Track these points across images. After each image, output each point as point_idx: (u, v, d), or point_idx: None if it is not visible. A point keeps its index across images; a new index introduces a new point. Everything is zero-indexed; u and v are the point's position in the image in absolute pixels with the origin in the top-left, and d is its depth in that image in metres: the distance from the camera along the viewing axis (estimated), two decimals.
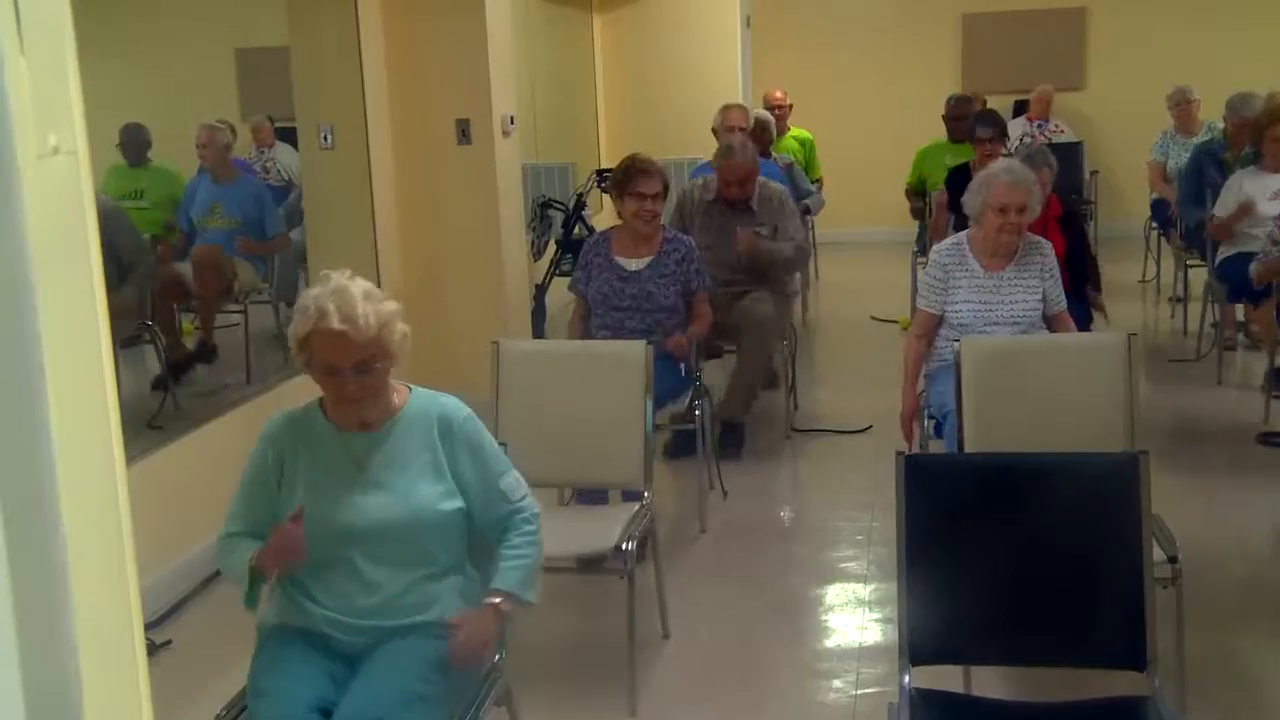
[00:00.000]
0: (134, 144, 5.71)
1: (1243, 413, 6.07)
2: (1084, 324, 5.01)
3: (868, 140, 11.25)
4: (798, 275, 7.33)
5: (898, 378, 4.63)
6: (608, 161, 9.54)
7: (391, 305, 2.72)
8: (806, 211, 7.69)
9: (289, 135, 6.41)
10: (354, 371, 2.65)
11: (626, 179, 5.05)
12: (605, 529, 3.74)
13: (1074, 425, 3.77)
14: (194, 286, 5.75)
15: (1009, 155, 6.26)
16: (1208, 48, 10.61)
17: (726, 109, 7.28)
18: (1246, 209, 6.48)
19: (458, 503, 2.78)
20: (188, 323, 5.79)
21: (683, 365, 4.96)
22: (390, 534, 2.69)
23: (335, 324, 2.61)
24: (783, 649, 4.02)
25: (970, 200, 4.53)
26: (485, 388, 4.02)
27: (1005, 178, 4.41)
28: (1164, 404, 6.38)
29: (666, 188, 5.14)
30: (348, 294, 2.65)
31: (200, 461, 4.62)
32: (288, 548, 2.65)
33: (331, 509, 2.71)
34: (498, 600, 2.73)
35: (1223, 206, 6.69)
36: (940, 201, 6.66)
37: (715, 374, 5.94)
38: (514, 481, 2.86)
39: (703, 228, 5.76)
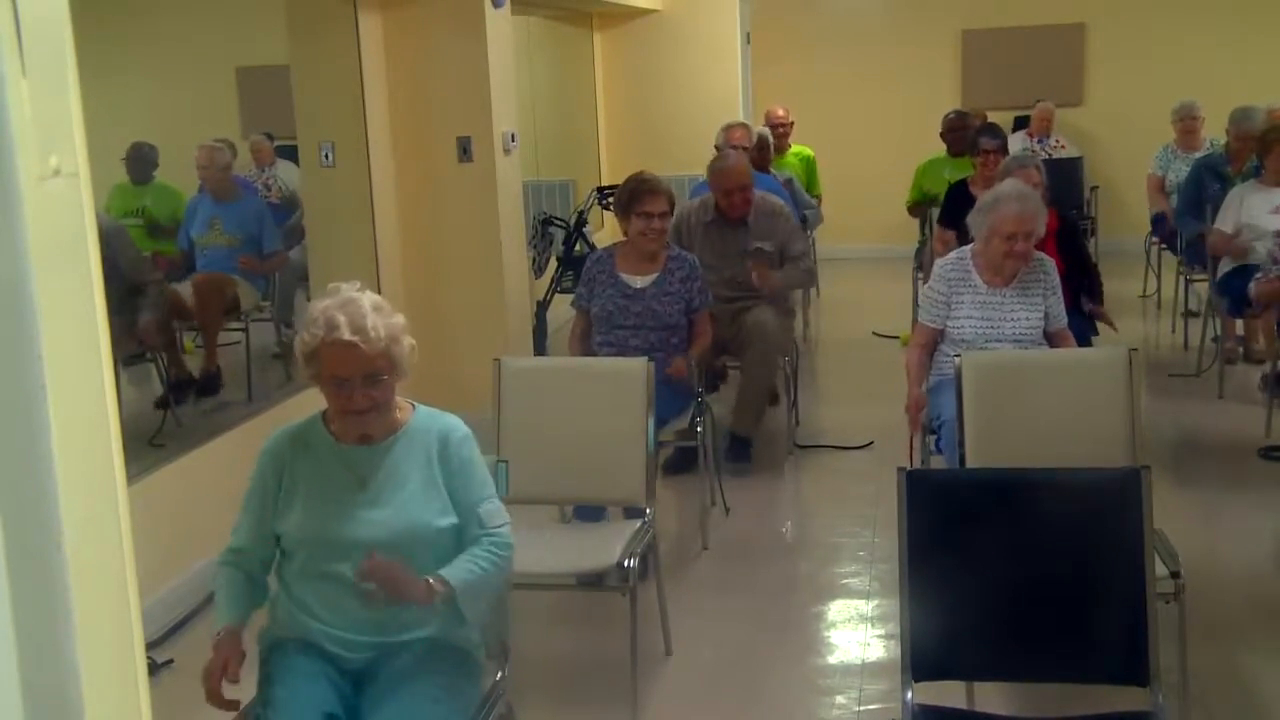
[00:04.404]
0: (140, 162, 5.73)
1: (1244, 427, 6.06)
2: (1084, 337, 5.01)
3: (868, 156, 11.26)
4: (797, 291, 7.37)
5: (900, 393, 4.63)
6: (609, 179, 9.56)
7: (399, 318, 2.74)
8: (803, 223, 7.70)
9: (290, 153, 6.42)
10: (363, 383, 2.67)
11: (633, 198, 5.05)
12: (607, 546, 3.73)
13: (1075, 440, 3.77)
14: (195, 313, 5.76)
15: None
16: (1207, 63, 10.62)
17: (729, 128, 7.30)
18: (1240, 247, 6.50)
19: (453, 519, 2.78)
20: (189, 341, 5.80)
21: (684, 384, 4.97)
22: (387, 548, 2.69)
23: (346, 335, 2.62)
24: (785, 665, 4.01)
25: (976, 220, 4.52)
26: (487, 405, 4.02)
27: (1015, 205, 4.37)
28: (1165, 419, 6.38)
29: (672, 205, 5.14)
30: (358, 306, 2.67)
31: (202, 479, 4.62)
32: (210, 690, 2.60)
33: (329, 522, 2.71)
34: (433, 579, 2.65)
35: (1223, 221, 6.69)
36: (941, 238, 6.66)
37: (719, 402, 5.97)
38: (494, 510, 2.82)
39: (702, 247, 5.77)
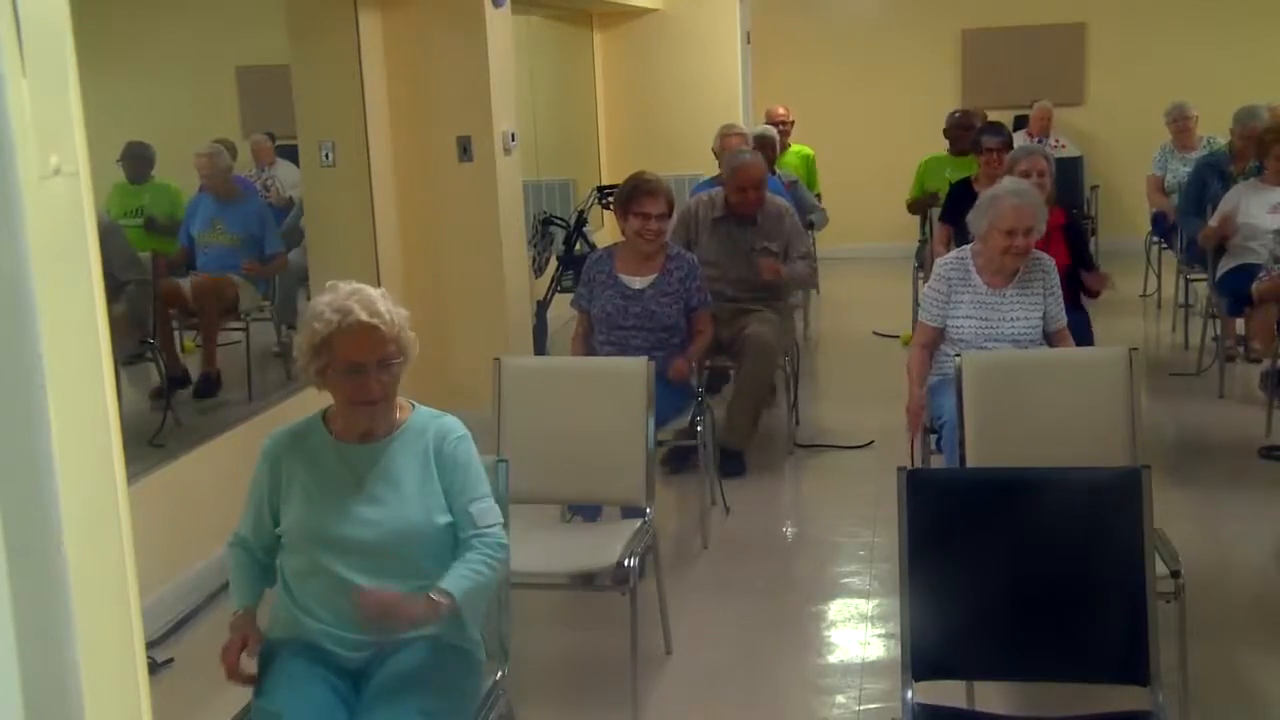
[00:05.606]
0: (136, 161, 5.73)
1: (1244, 426, 6.06)
2: (1082, 334, 5.00)
3: (868, 155, 11.25)
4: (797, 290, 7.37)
5: (900, 393, 4.63)
6: (609, 178, 9.56)
7: (403, 309, 2.80)
8: (810, 227, 7.70)
9: (290, 152, 6.42)
10: (378, 368, 2.69)
11: (630, 197, 5.04)
12: (607, 545, 3.73)
13: (1075, 440, 3.77)
14: (195, 314, 5.76)
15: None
16: (1207, 62, 10.62)
17: (725, 134, 7.29)
18: (1225, 229, 6.52)
19: (449, 517, 2.78)
20: (189, 340, 5.80)
21: (684, 384, 4.97)
22: (383, 547, 2.71)
23: (364, 317, 2.67)
24: (785, 665, 4.01)
25: (975, 219, 4.52)
26: (487, 404, 4.02)
27: (1013, 200, 4.37)
28: (1165, 418, 6.38)
29: (671, 207, 5.13)
30: (366, 293, 2.74)
31: (201, 479, 4.62)
32: (229, 667, 2.67)
33: (326, 520, 2.72)
34: (435, 594, 2.65)
35: (1218, 218, 6.70)
36: (940, 236, 6.67)
37: (720, 404, 5.96)
38: (485, 509, 2.81)
39: (709, 244, 5.77)
